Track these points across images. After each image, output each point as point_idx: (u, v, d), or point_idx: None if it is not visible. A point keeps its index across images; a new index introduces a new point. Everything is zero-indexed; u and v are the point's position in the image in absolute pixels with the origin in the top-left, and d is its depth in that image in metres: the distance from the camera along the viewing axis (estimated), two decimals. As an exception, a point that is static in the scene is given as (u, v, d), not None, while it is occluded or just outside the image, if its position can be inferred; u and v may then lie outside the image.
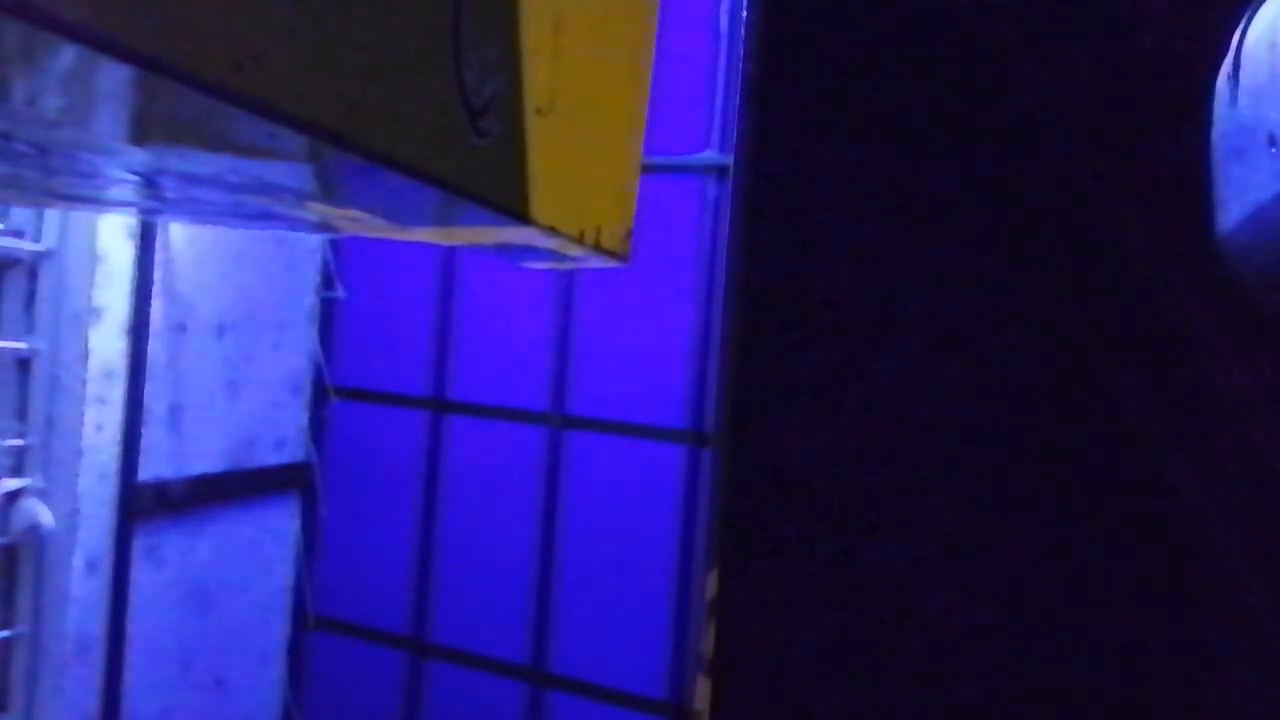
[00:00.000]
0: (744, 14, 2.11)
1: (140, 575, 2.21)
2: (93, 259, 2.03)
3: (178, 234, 2.23)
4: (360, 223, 0.83)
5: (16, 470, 2.01)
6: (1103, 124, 1.38)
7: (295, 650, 2.73)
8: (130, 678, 2.20)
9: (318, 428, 2.72)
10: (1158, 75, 1.34)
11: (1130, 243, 1.36)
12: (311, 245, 2.68)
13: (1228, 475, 1.32)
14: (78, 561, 2.05)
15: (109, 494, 2.10)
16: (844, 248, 1.51)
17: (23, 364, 2.03)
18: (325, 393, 2.72)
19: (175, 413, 2.28)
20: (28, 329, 2.03)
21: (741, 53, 1.99)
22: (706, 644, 1.55)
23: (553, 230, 0.79)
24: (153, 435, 2.20)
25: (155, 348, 2.18)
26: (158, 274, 2.17)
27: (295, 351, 2.67)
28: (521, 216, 0.74)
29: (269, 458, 2.60)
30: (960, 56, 1.46)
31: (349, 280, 2.72)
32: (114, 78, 0.40)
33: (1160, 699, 1.36)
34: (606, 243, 0.91)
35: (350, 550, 2.70)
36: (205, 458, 2.38)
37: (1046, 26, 1.42)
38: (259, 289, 2.52)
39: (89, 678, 2.11)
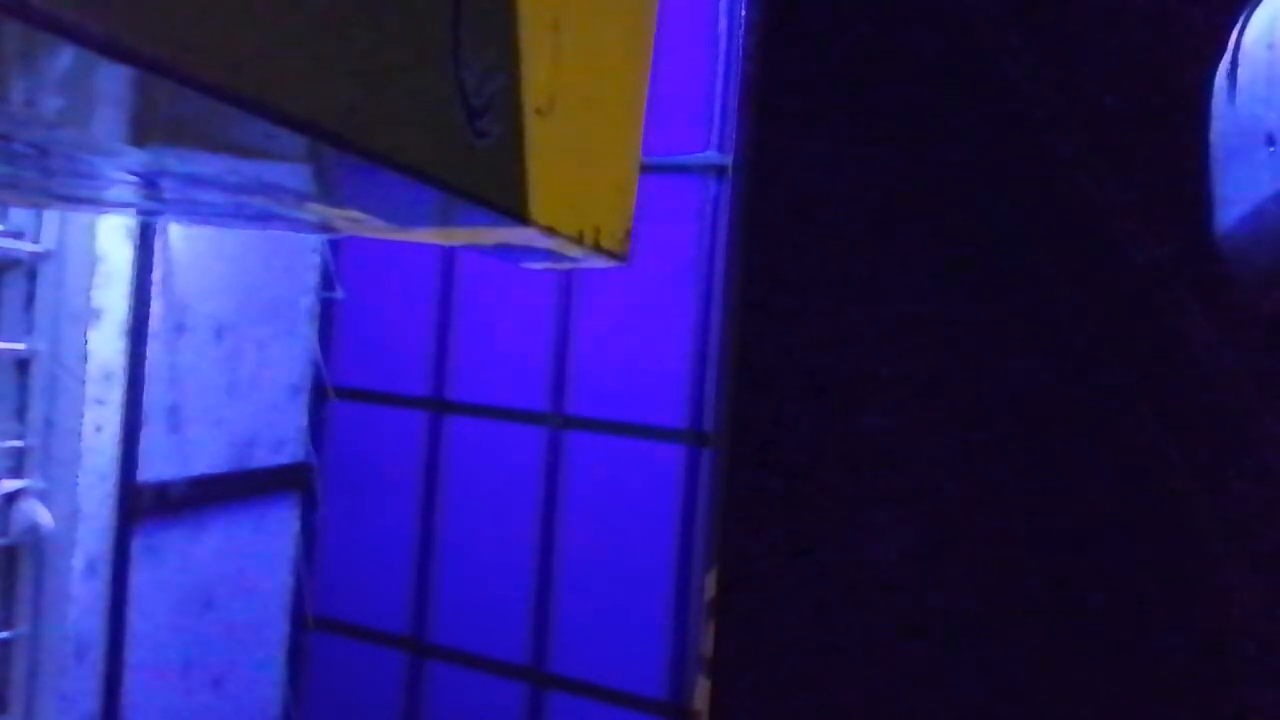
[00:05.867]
0: (744, 14, 2.11)
1: (140, 576, 2.20)
2: (92, 260, 2.02)
3: (177, 235, 2.23)
4: (359, 223, 0.83)
5: (16, 471, 2.01)
6: (1102, 123, 1.38)
7: (295, 651, 2.73)
8: (130, 678, 2.20)
9: (317, 428, 2.72)
10: (1157, 75, 1.34)
11: (1129, 242, 1.36)
12: (311, 246, 2.68)
13: (1226, 475, 1.32)
14: (77, 562, 2.05)
15: (108, 495, 2.10)
16: (844, 248, 1.51)
17: (22, 365, 2.03)
18: (325, 393, 2.71)
19: (174, 413, 2.28)
20: (27, 330, 2.03)
21: (741, 52, 1.99)
22: (706, 644, 1.55)
23: (552, 230, 0.79)
24: (152, 436, 2.20)
25: (154, 348, 2.18)
26: (157, 275, 2.17)
27: (295, 352, 2.67)
28: (521, 217, 0.74)
29: (268, 458, 2.60)
30: (960, 56, 1.46)
31: (348, 280, 2.72)
32: (113, 79, 0.40)
33: (1160, 700, 1.36)
34: (606, 243, 0.91)
35: (350, 550, 2.70)
36: (205, 458, 2.38)
37: (1046, 26, 1.42)
38: (258, 289, 2.52)
39: (89, 678, 2.11)
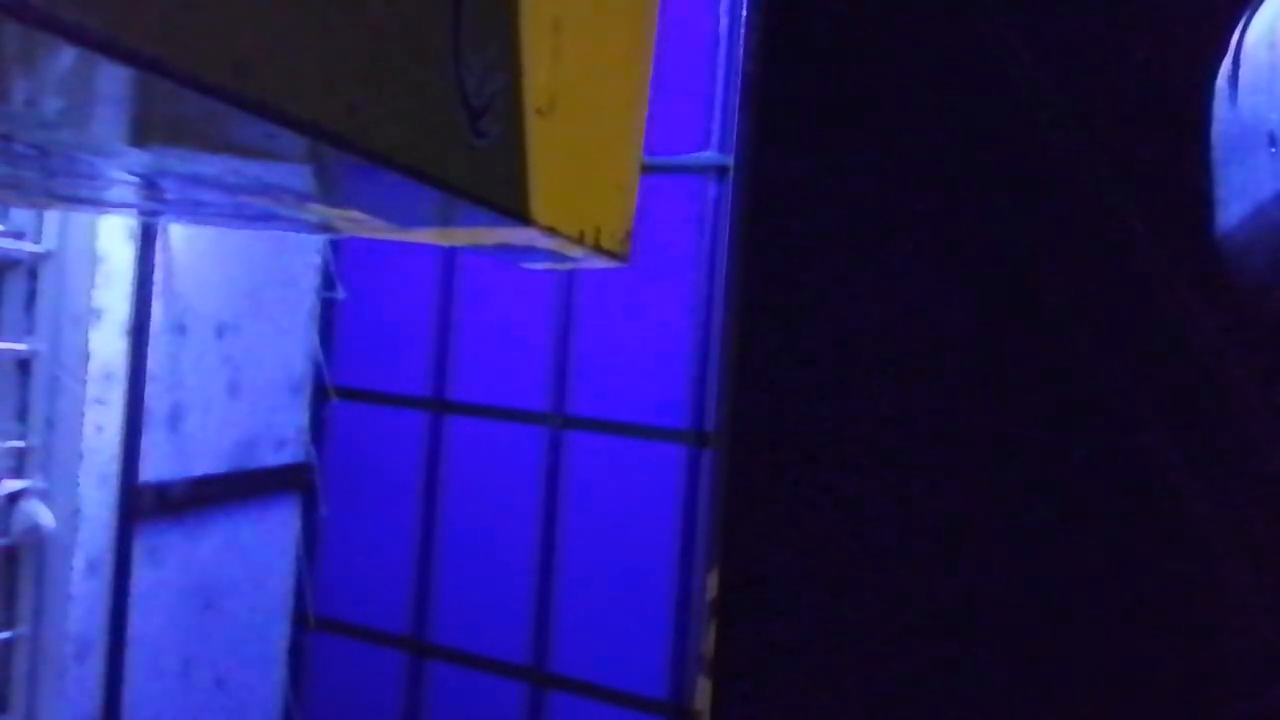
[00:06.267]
0: (744, 13, 2.11)
1: (141, 576, 2.21)
2: (93, 260, 2.03)
3: (177, 235, 2.23)
4: (360, 223, 0.83)
5: (17, 472, 2.01)
6: (1102, 124, 1.38)
7: (296, 651, 2.73)
8: (131, 679, 2.21)
9: (318, 428, 2.72)
10: (1158, 76, 1.34)
11: (1129, 242, 1.36)
12: (312, 246, 2.68)
13: (1227, 475, 1.32)
14: (78, 563, 2.05)
15: (109, 495, 2.11)
16: (844, 248, 1.51)
17: (23, 365, 2.03)
18: (325, 393, 2.72)
19: (175, 414, 2.28)
20: (28, 330, 2.03)
21: (741, 52, 1.99)
22: (707, 644, 1.55)
23: (552, 231, 0.79)
24: (153, 436, 2.20)
25: (155, 349, 2.18)
26: (158, 275, 2.18)
27: (295, 352, 2.67)
28: (521, 217, 0.74)
29: (269, 458, 2.60)
30: (961, 57, 1.46)
31: (349, 281, 2.72)
32: (114, 79, 0.40)
33: (1159, 700, 1.36)
34: (606, 243, 0.91)
35: (351, 551, 2.70)
36: (205, 459, 2.38)
37: (1047, 26, 1.42)
38: (259, 290, 2.52)
39: (89, 679, 2.11)
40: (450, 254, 2.54)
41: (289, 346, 2.64)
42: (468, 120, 0.63)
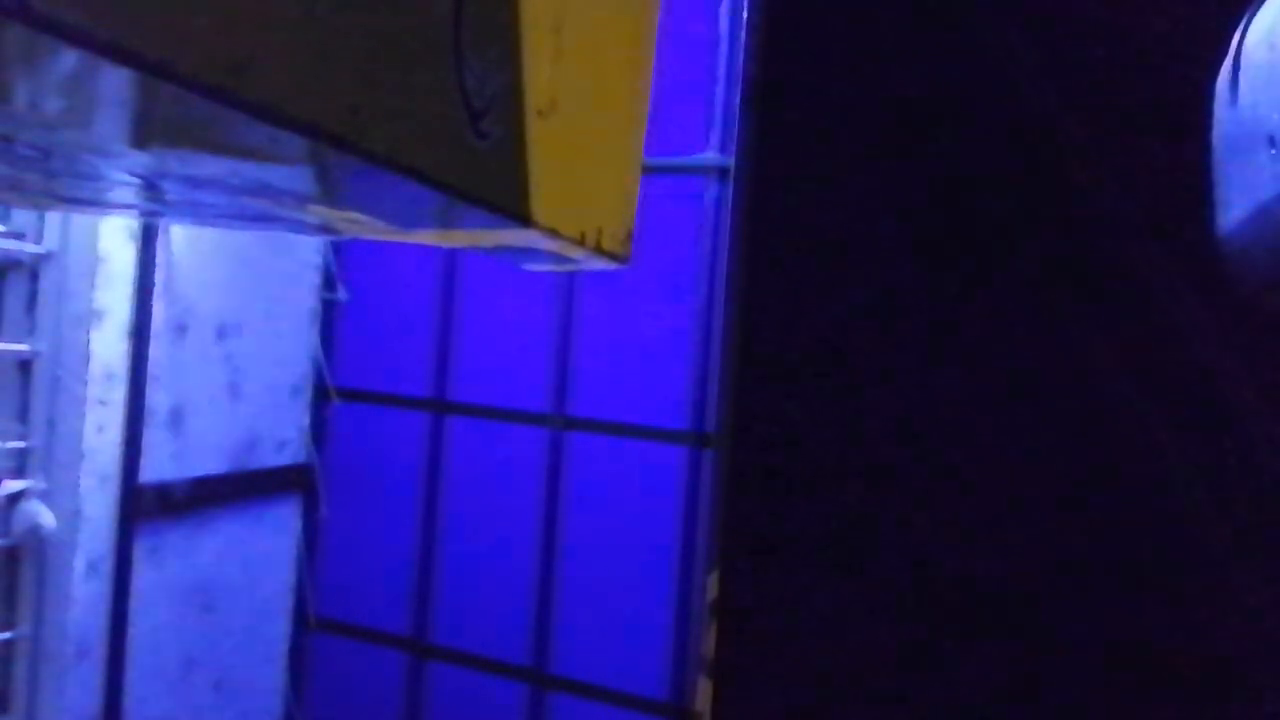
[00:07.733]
0: (745, 14, 2.11)
1: (141, 576, 2.21)
2: (94, 261, 2.03)
3: (179, 236, 2.23)
4: (361, 225, 0.83)
5: (18, 472, 2.02)
6: (1103, 124, 1.38)
7: (296, 651, 2.73)
8: (131, 679, 2.21)
9: (319, 429, 2.73)
10: (1158, 75, 1.34)
11: (1130, 243, 1.36)
12: (313, 247, 2.69)
13: (1227, 476, 1.32)
14: (79, 563, 2.05)
15: (110, 496, 2.11)
16: (844, 248, 1.52)
17: (24, 366, 2.03)
18: (326, 394, 2.72)
19: (176, 414, 2.28)
20: (29, 331, 2.03)
21: (742, 53, 1.99)
22: (707, 645, 1.55)
23: (553, 232, 0.79)
24: (154, 437, 2.20)
25: (156, 349, 2.18)
26: (159, 276, 2.18)
27: (296, 353, 2.67)
28: (522, 218, 0.74)
29: (270, 459, 2.60)
30: (961, 58, 1.46)
31: (350, 282, 2.72)
32: (115, 81, 0.40)
33: (1160, 700, 1.36)
34: (607, 244, 0.91)
35: (351, 551, 2.70)
36: (206, 459, 2.38)
37: (1048, 27, 1.42)
38: (260, 290, 2.52)
39: (90, 679, 2.11)
40: (451, 255, 2.54)
41: (290, 347, 2.64)
42: (469, 121, 0.63)
